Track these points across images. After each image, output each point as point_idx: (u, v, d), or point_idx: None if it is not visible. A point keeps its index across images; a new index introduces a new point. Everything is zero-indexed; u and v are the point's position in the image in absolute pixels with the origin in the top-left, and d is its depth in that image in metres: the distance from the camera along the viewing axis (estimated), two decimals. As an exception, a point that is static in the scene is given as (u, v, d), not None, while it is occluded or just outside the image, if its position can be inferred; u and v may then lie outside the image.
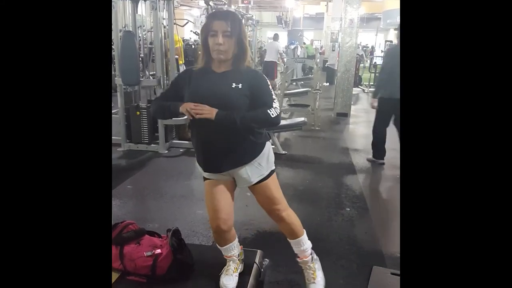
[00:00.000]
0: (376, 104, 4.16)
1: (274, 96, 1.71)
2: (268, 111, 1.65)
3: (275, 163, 1.88)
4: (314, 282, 2.00)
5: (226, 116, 1.61)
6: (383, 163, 4.41)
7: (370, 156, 4.51)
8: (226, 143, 1.72)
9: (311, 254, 2.02)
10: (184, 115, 1.66)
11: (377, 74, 11.67)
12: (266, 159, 1.80)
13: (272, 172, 1.84)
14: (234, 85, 1.66)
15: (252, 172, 1.77)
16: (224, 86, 1.67)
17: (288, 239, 1.99)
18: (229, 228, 1.86)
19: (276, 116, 1.67)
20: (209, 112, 1.60)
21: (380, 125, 4.26)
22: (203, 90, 1.68)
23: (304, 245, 1.98)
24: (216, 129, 1.67)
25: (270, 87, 1.72)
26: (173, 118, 4.48)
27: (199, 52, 1.76)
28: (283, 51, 11.46)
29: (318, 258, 2.07)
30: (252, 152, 1.76)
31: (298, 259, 2.02)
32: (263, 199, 1.86)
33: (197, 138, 1.79)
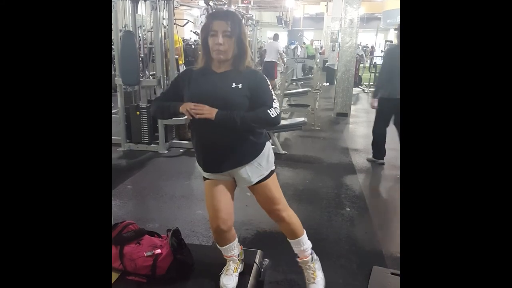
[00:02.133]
0: (376, 104, 4.16)
1: (274, 96, 1.71)
2: (268, 111, 1.65)
3: (275, 163, 1.88)
4: (314, 282, 2.00)
5: (226, 116, 1.61)
6: (383, 163, 4.40)
7: (370, 156, 4.52)
8: (226, 143, 1.72)
9: (311, 254, 2.02)
10: (184, 115, 1.66)
11: (377, 74, 11.73)
12: (266, 159, 1.80)
13: (272, 172, 1.84)
14: (234, 85, 1.66)
15: (252, 172, 1.77)
16: (224, 86, 1.67)
17: (288, 239, 1.99)
18: (229, 228, 1.86)
19: (276, 116, 1.67)
20: (209, 112, 1.60)
21: (380, 125, 4.27)
22: (203, 90, 1.68)
23: (304, 245, 1.98)
24: (216, 129, 1.67)
25: (270, 87, 1.72)
26: (173, 118, 4.50)
27: (199, 52, 1.76)
28: (283, 51, 11.47)
29: (318, 258, 2.07)
30: (252, 152, 1.76)
31: (298, 259, 2.02)
32: (263, 199, 1.86)
33: (197, 138, 1.79)
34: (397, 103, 3.58)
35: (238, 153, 1.74)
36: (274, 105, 1.68)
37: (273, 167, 1.86)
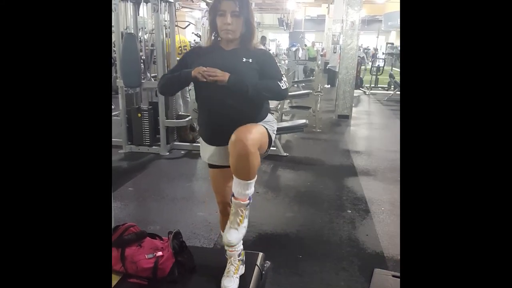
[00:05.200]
0: None
1: (282, 72, 1.76)
2: (279, 82, 1.70)
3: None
4: (236, 228, 1.75)
5: (239, 81, 1.62)
6: None
7: (372, 160, 4.50)
8: (233, 114, 1.71)
9: (249, 199, 1.77)
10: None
11: (378, 77, 11.74)
12: (269, 125, 1.81)
13: (266, 128, 1.76)
14: (244, 59, 1.70)
15: None
16: (234, 60, 1.70)
17: (235, 176, 1.70)
18: None
19: (285, 88, 1.72)
20: (222, 75, 1.61)
21: None
22: (213, 64, 1.66)
23: (250, 188, 1.73)
24: (225, 100, 1.68)
25: (278, 64, 1.76)
26: (174, 119, 4.50)
27: (207, 33, 1.79)
28: (284, 53, 11.50)
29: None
30: (256, 120, 1.77)
31: (233, 199, 1.74)
32: (242, 127, 1.68)
33: (204, 111, 1.80)
34: None
35: (244, 124, 1.71)
36: (283, 79, 1.72)
37: (269, 128, 1.78)
